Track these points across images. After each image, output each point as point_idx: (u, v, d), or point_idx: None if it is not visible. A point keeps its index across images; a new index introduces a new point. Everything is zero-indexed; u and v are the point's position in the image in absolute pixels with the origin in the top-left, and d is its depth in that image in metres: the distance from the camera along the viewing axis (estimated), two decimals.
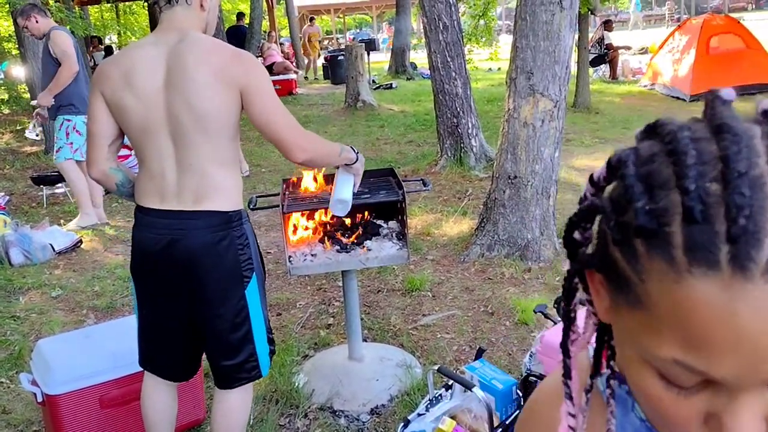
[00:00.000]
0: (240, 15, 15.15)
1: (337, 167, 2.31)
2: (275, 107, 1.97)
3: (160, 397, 2.19)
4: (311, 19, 21.19)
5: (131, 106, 1.89)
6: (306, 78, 18.04)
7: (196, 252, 1.90)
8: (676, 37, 11.11)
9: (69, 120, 5.20)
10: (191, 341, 2.08)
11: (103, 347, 2.46)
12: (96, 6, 17.81)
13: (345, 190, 2.29)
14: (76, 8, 13.41)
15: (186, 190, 1.91)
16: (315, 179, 2.89)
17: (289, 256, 2.69)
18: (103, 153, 2.00)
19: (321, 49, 19.99)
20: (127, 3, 19.29)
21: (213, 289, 1.95)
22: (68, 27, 9.77)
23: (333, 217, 2.86)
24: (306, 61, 19.29)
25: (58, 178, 6.59)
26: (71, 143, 5.25)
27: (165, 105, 1.87)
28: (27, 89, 10.13)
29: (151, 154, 1.93)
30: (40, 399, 2.43)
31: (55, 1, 10.20)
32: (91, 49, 14.97)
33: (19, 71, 11.97)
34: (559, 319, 2.00)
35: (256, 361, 2.07)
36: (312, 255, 2.72)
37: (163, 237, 1.93)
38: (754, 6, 37.18)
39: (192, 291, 1.96)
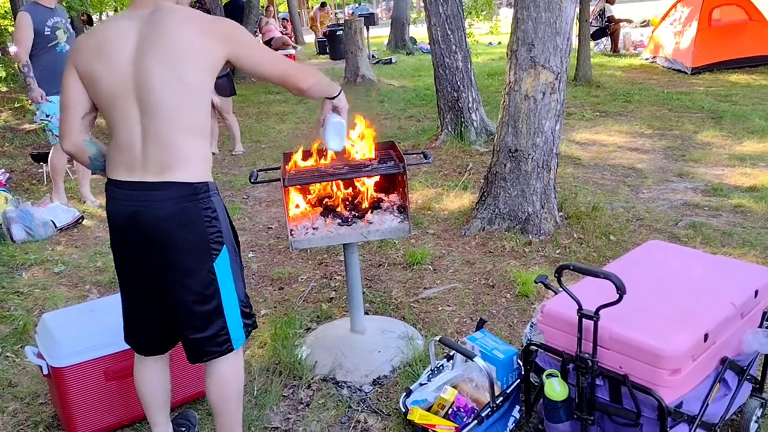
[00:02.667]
0: None
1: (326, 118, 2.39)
2: (271, 53, 2.11)
3: (150, 375, 2.20)
4: (322, 5, 21.01)
5: (101, 75, 1.90)
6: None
7: (160, 223, 1.90)
8: (678, 9, 11.00)
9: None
10: (166, 314, 2.07)
11: (108, 321, 2.48)
12: None
13: (339, 129, 2.38)
14: None
15: (151, 160, 1.90)
16: (315, 153, 2.88)
17: (291, 230, 2.70)
18: (76, 124, 2.01)
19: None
20: None
21: (179, 260, 1.94)
22: (64, 3, 9.67)
23: (332, 156, 2.84)
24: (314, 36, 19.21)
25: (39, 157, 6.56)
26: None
27: (134, 73, 1.88)
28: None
29: (120, 124, 1.93)
30: (45, 371, 2.46)
31: None
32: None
33: (15, 48, 11.86)
34: (560, 289, 2.02)
35: (227, 335, 2.05)
36: (314, 228, 2.73)
37: (127, 208, 1.93)
38: None
39: (159, 263, 1.96)
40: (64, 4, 10.22)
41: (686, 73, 10.10)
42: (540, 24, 3.98)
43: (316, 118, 2.43)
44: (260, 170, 2.92)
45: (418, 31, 17.36)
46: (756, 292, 2.13)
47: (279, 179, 2.66)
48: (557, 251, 3.97)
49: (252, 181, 2.76)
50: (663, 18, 11.55)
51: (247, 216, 5.11)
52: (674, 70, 10.48)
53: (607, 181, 5.36)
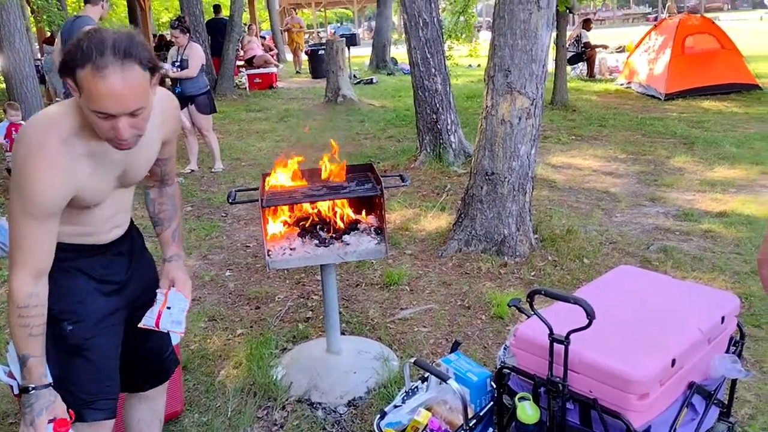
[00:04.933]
0: (217, 7, 15.00)
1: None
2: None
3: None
4: (293, 11, 21.13)
5: None
6: (298, 72, 18.02)
7: None
8: (652, 37, 11.27)
9: None
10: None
11: None
12: None
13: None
14: None
15: None
16: (294, 174, 2.91)
17: (268, 251, 2.71)
18: None
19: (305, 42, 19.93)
20: None
21: None
22: (45, 17, 9.64)
23: (312, 211, 2.89)
24: (292, 55, 19.25)
25: None
26: None
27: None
28: (3, 80, 9.96)
29: None
30: (16, 391, 2.42)
31: None
32: (43, 41, 14.51)
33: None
34: (532, 312, 2.06)
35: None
36: (291, 249, 2.74)
37: None
38: (729, 6, 37.75)
39: None
40: (46, 17, 10.17)
41: (660, 98, 10.32)
42: (516, 51, 4.07)
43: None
44: (238, 190, 2.94)
45: (399, 52, 17.53)
46: (722, 318, 2.19)
47: (257, 200, 2.68)
48: (532, 273, 4.03)
49: (230, 201, 2.78)
50: (638, 45, 11.83)
51: (225, 234, 5.10)
52: (648, 95, 10.70)
53: (582, 204, 5.46)
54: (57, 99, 12.92)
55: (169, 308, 1.93)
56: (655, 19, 29.04)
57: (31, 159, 1.55)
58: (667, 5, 16.51)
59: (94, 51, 1.48)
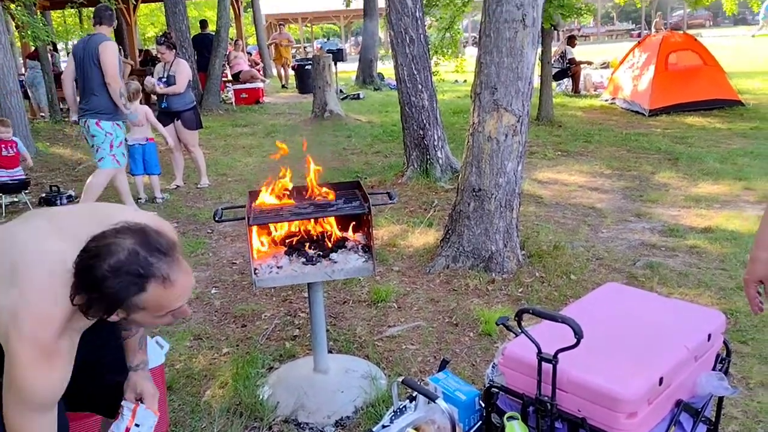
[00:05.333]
0: (203, 23, 15.01)
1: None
2: None
3: None
4: (280, 26, 21.19)
5: None
6: (284, 87, 18.04)
7: None
8: (636, 53, 11.41)
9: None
10: None
11: None
12: (59, 11, 17.50)
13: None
14: (38, 13, 13.15)
15: None
16: (282, 192, 2.90)
17: (255, 269, 2.69)
18: None
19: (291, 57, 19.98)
20: (91, 8, 19.01)
21: None
22: (30, 32, 9.60)
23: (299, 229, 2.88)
24: (277, 70, 19.28)
25: (20, 187, 6.48)
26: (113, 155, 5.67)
27: None
28: None
29: None
30: None
31: (17, 6, 9.97)
32: (26, 56, 14.37)
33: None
34: (520, 331, 2.05)
35: None
36: (278, 267, 2.72)
37: None
38: (711, 23, 38.37)
39: None
40: (30, 31, 10.12)
41: (644, 114, 10.44)
42: (502, 69, 4.10)
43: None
44: (225, 207, 2.92)
45: (386, 68, 17.62)
46: (709, 336, 2.20)
47: (243, 218, 2.66)
48: (520, 290, 4.03)
49: (216, 219, 2.76)
50: (622, 61, 11.97)
51: (211, 251, 5.07)
52: (632, 111, 10.82)
53: (568, 220, 5.48)
54: (41, 114, 12.86)
55: (137, 425, 1.83)
56: (639, 35, 29.45)
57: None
58: (654, 21, 16.71)
59: (147, 269, 1.41)
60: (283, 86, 18.10)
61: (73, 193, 6.72)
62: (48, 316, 1.49)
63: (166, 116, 6.73)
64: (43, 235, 1.60)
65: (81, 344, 1.62)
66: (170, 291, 1.45)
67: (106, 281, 1.41)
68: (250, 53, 18.49)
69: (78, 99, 5.66)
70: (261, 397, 2.90)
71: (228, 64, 15.00)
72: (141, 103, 6.57)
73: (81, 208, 1.76)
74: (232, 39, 17.20)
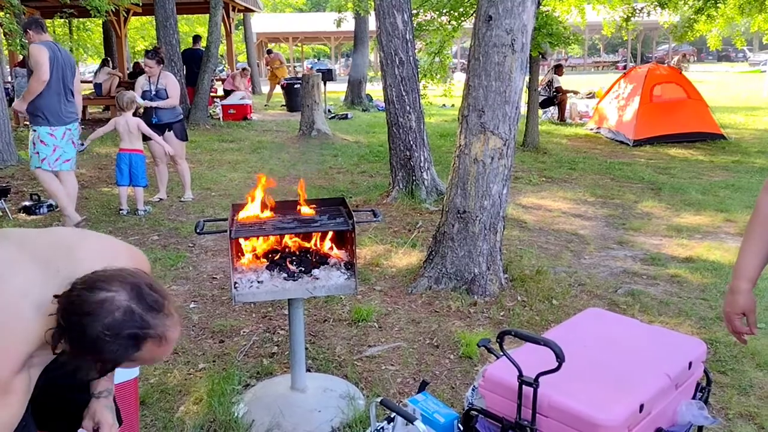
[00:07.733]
0: (196, 38, 15.05)
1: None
2: None
3: None
4: (269, 51, 21.32)
5: None
6: (266, 105, 18.07)
7: None
8: (621, 84, 11.58)
9: (35, 130, 5.59)
10: None
11: None
12: (48, 21, 17.44)
13: None
14: None
15: None
16: (265, 205, 2.87)
17: (235, 283, 2.65)
18: None
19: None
20: (81, 19, 18.98)
21: None
22: (17, 41, 9.55)
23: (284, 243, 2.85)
24: (270, 88, 19.38)
25: (0, 193, 6.40)
26: (38, 152, 5.59)
27: None
28: None
29: None
30: None
31: (5, 15, 9.92)
32: (14, 64, 14.41)
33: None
34: (502, 353, 2.03)
35: None
36: (258, 282, 2.69)
37: None
38: (695, 58, 39.20)
39: None
40: (17, 41, 10.06)
41: (628, 144, 10.56)
42: (490, 92, 4.12)
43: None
44: (207, 220, 2.89)
45: (375, 89, 17.72)
46: (690, 364, 2.19)
47: (225, 231, 2.63)
48: (501, 313, 4.01)
49: (198, 231, 2.72)
50: (608, 91, 12.14)
51: (192, 264, 5.00)
52: (617, 141, 10.94)
53: (551, 245, 5.49)
54: (26, 123, 12.73)
55: None
56: (624, 67, 29.93)
57: None
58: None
59: (143, 330, 1.38)
60: (265, 105, 18.06)
61: (53, 203, 6.63)
62: (4, 352, 1.43)
63: (156, 129, 6.68)
64: (8, 265, 1.51)
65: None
66: (164, 347, 1.44)
67: (101, 344, 1.37)
68: (246, 69, 18.51)
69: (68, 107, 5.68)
70: (236, 414, 2.84)
71: (233, 85, 15.29)
72: (134, 115, 6.49)
73: (47, 233, 1.68)
74: (222, 55, 17.30)
